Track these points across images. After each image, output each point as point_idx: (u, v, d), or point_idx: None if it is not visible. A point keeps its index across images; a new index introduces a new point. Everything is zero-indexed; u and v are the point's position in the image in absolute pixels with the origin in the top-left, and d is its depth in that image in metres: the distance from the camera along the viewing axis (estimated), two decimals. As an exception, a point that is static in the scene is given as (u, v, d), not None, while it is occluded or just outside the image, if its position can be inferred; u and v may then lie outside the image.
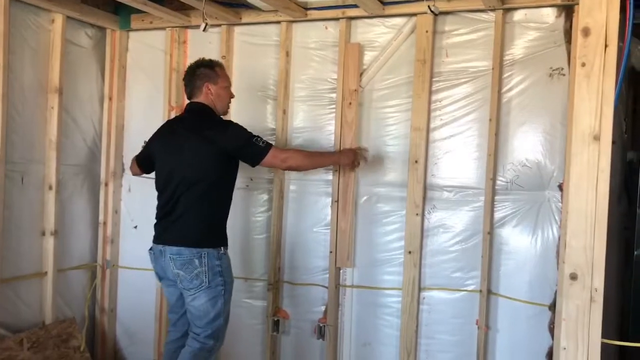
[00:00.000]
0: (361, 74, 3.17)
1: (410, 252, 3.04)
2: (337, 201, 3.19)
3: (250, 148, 2.66)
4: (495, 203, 2.93)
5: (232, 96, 2.89)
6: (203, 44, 3.43)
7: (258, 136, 2.69)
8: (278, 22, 3.27)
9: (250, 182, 3.42)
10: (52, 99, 3.24)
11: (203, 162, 2.65)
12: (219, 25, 3.36)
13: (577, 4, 2.42)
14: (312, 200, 3.31)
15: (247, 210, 3.42)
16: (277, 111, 3.32)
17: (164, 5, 3.22)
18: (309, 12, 3.18)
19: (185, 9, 3.27)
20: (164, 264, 2.70)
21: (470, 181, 3.00)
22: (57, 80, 3.23)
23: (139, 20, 3.51)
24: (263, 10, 3.22)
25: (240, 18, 3.31)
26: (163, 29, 3.49)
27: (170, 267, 2.66)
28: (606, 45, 1.76)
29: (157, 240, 2.75)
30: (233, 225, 3.40)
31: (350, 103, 3.15)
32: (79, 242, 3.56)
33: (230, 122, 2.81)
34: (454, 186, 3.03)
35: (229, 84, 2.88)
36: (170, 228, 2.70)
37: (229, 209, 2.82)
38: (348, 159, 3.00)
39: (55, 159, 3.24)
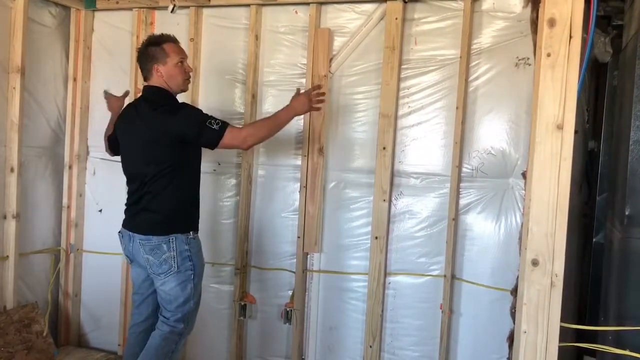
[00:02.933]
0: (331, 60, 3.17)
1: (376, 238, 3.07)
2: (306, 186, 3.20)
3: (205, 133, 2.50)
4: (460, 190, 2.98)
5: (188, 71, 2.71)
6: (171, 25, 3.38)
7: (212, 118, 2.53)
8: (248, 5, 3.24)
9: (218, 167, 3.40)
10: (13, 79, 3.15)
11: (159, 152, 2.55)
12: (188, 7, 3.31)
13: (544, -6, 2.46)
14: (281, 185, 3.32)
15: (214, 195, 3.40)
16: (246, 95, 3.30)
17: (130, -15, 3.16)
18: (279, -5, 3.16)
19: (152, -10, 3.22)
20: (133, 249, 2.67)
21: (437, 168, 3.04)
22: (18, 60, 3.14)
23: (105, 0, 3.43)
24: (232, -7, 3.18)
25: (209, 0, 3.27)
26: (130, 9, 3.42)
27: (140, 252, 2.63)
28: (571, 37, 1.80)
29: (126, 225, 2.71)
30: (201, 210, 3.39)
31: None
32: (42, 225, 3.50)
33: (181, 106, 2.62)
34: (421, 173, 3.06)
35: (183, 58, 2.67)
36: (138, 215, 2.65)
37: (196, 192, 2.75)
38: (304, 106, 2.72)
39: (17, 140, 3.16)
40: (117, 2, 3.39)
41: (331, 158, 3.20)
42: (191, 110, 2.61)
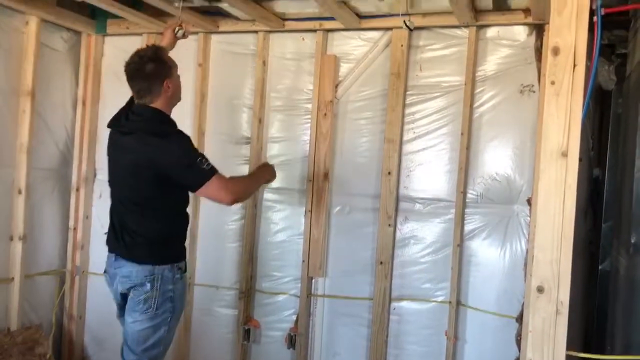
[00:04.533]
0: (337, 86, 3.20)
1: (381, 263, 3.07)
2: (311, 211, 3.20)
3: (190, 170, 2.24)
4: (465, 216, 2.98)
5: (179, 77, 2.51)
6: (179, 50, 3.40)
7: (204, 158, 2.27)
8: (256, 32, 3.29)
9: (224, 190, 3.40)
10: (24, 102, 3.19)
11: (147, 184, 2.32)
12: (197, 33, 3.36)
13: (548, 23, 2.49)
14: (286, 209, 3.32)
15: (220, 218, 3.41)
16: (253, 120, 3.33)
17: (141, 11, 3.20)
18: (286, 22, 3.21)
19: (162, 16, 3.26)
20: (115, 273, 2.45)
21: (442, 193, 3.04)
22: (29, 83, 3.18)
23: (116, 25, 3.49)
24: (241, 20, 3.23)
25: (218, 26, 3.32)
26: (140, 34, 3.47)
27: (118, 281, 2.43)
28: (575, 65, 1.82)
29: (110, 247, 2.50)
30: (205, 232, 3.42)
31: (325, 114, 3.18)
32: (48, 247, 3.51)
33: (176, 137, 2.33)
34: (426, 198, 3.07)
35: (176, 65, 2.48)
36: (122, 243, 2.42)
37: (183, 224, 2.53)
38: (271, 175, 2.73)
39: (25, 162, 3.18)
40: (128, 27, 3.44)
41: (336, 182, 3.21)
42: (185, 143, 2.33)
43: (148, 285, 2.34)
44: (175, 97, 2.46)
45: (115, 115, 2.57)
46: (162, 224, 2.41)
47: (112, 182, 2.51)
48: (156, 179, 2.28)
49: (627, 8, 2.64)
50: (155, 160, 2.26)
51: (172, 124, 2.42)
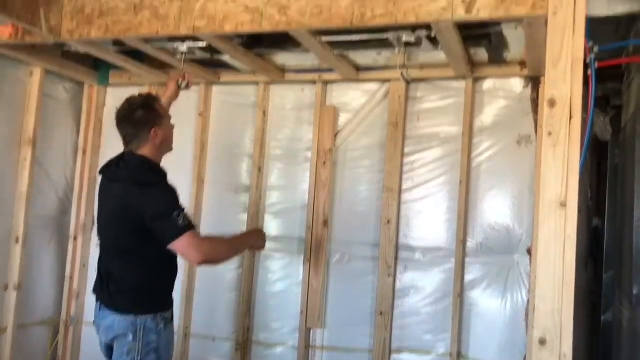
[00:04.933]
0: (336, 135, 3.23)
1: (381, 313, 3.03)
2: (310, 259, 3.18)
3: (165, 222, 2.18)
4: (465, 265, 2.96)
5: (173, 127, 2.49)
6: (181, 100, 3.44)
7: (183, 213, 2.19)
8: (256, 83, 3.34)
9: (223, 239, 3.39)
10: (25, 151, 3.21)
11: (128, 232, 2.27)
12: (198, 84, 3.41)
13: (543, 75, 2.54)
14: (285, 257, 3.30)
15: (217, 268, 3.37)
16: (253, 168, 3.34)
17: (143, 63, 3.27)
18: (286, 74, 3.27)
19: (164, 67, 3.32)
20: (99, 331, 2.39)
21: (441, 243, 3.03)
22: (31, 132, 3.21)
23: (118, 77, 3.55)
24: (242, 71, 3.29)
25: (219, 78, 3.38)
26: (141, 85, 3.52)
27: (103, 338, 2.37)
28: (571, 116, 1.85)
29: (97, 296, 2.44)
30: (202, 282, 3.38)
31: (325, 162, 3.20)
32: (43, 296, 3.46)
33: (159, 188, 2.30)
34: (425, 247, 3.06)
35: (170, 118, 2.48)
36: (107, 292, 2.36)
37: (168, 272, 2.44)
38: (257, 242, 2.68)
39: (24, 211, 3.18)
40: (130, 79, 3.50)
41: (336, 231, 3.21)
42: (168, 196, 2.27)
43: (130, 336, 2.26)
44: (165, 146, 2.42)
45: (108, 162, 2.55)
46: (146, 273, 2.33)
47: (99, 229, 2.47)
48: (136, 227, 2.23)
49: (620, 62, 2.70)
50: (134, 208, 2.23)
51: (160, 173, 2.40)
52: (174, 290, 2.48)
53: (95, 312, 2.42)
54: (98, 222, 2.50)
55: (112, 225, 2.36)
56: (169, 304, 2.43)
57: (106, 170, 2.49)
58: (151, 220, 2.19)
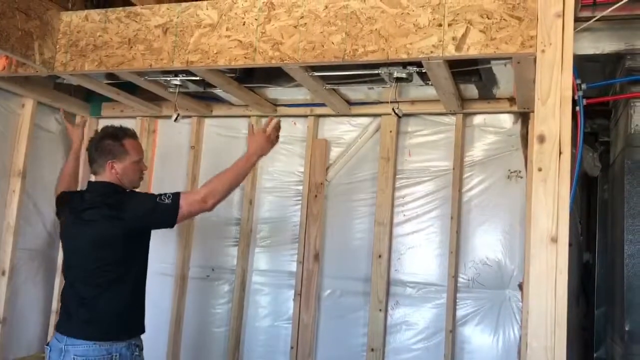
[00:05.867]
0: (327, 168, 3.24)
1: (372, 350, 2.99)
2: (300, 294, 3.15)
3: (158, 211, 2.26)
4: (457, 301, 2.94)
5: (144, 169, 2.49)
6: (173, 133, 3.48)
7: (162, 194, 2.28)
8: (248, 117, 3.36)
9: (212, 272, 3.36)
10: (14, 183, 3.19)
11: (105, 251, 2.28)
12: (190, 117, 3.42)
13: (532, 111, 2.57)
14: (275, 292, 3.27)
15: (207, 302, 3.34)
16: (244, 201, 3.33)
17: (136, 95, 3.28)
18: (278, 108, 3.29)
19: (156, 100, 3.34)
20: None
21: (433, 278, 3.01)
22: (21, 164, 3.19)
23: (110, 108, 3.56)
24: (234, 105, 3.31)
25: (212, 111, 3.39)
26: (134, 117, 3.53)
27: None
28: (560, 152, 1.87)
29: (58, 328, 2.35)
30: (190, 316, 3.34)
31: (316, 195, 3.20)
32: (28, 330, 3.39)
33: (130, 195, 2.39)
34: (417, 282, 3.04)
35: (141, 157, 2.45)
36: (75, 322, 2.30)
37: (141, 296, 2.42)
38: (264, 146, 2.49)
39: (11, 243, 3.13)
40: (122, 111, 3.51)
41: (327, 265, 3.18)
42: (140, 196, 2.38)
43: None
44: (126, 181, 2.41)
45: (66, 196, 2.58)
46: (120, 298, 2.30)
47: (69, 264, 2.42)
48: (123, 239, 2.27)
49: (607, 99, 2.75)
50: (122, 221, 2.26)
51: (123, 191, 2.40)
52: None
53: (53, 345, 2.30)
54: (68, 258, 2.44)
55: (91, 250, 2.31)
56: (141, 330, 2.40)
57: (70, 202, 2.49)
58: (147, 219, 2.28)
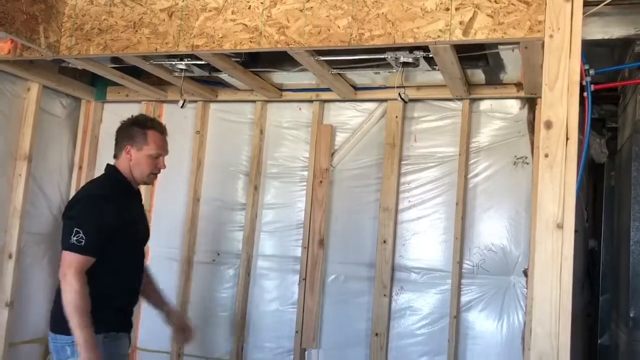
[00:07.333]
0: (333, 154, 3.23)
1: (377, 335, 3.00)
2: (305, 279, 3.16)
3: (65, 233, 2.16)
4: (461, 286, 2.95)
5: (161, 167, 2.38)
6: (178, 118, 3.47)
7: (82, 232, 2.12)
8: (253, 101, 3.35)
9: (217, 257, 3.37)
10: (20, 167, 3.20)
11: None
12: (196, 102, 3.42)
13: (540, 97, 2.55)
14: (280, 277, 3.28)
15: (211, 287, 3.36)
16: (249, 187, 3.33)
17: (141, 80, 3.27)
18: (284, 93, 3.27)
19: (162, 84, 3.33)
20: None
21: (438, 263, 3.02)
22: (27, 147, 3.20)
23: (115, 93, 3.55)
24: (240, 89, 3.30)
25: (217, 95, 3.38)
26: (139, 102, 3.52)
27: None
28: (567, 138, 1.85)
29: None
30: (196, 301, 3.35)
31: (321, 181, 3.19)
32: (35, 314, 3.41)
33: (87, 200, 2.27)
34: (422, 268, 3.04)
35: (159, 153, 2.35)
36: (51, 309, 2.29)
37: (112, 287, 2.25)
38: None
39: (18, 227, 3.15)
40: (127, 95, 3.50)
41: (331, 250, 3.19)
42: (84, 211, 2.21)
43: (68, 350, 2.14)
44: (136, 170, 2.34)
45: None
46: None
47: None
48: None
49: (615, 85, 2.72)
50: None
51: (114, 188, 2.32)
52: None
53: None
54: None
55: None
56: (114, 323, 2.28)
57: None
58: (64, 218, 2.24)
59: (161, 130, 2.39)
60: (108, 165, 2.41)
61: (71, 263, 2.11)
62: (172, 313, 2.52)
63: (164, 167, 2.41)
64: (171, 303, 2.60)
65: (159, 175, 2.42)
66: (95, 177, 3.53)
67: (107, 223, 2.19)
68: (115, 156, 2.38)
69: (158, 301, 2.52)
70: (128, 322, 2.36)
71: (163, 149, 2.38)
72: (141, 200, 2.51)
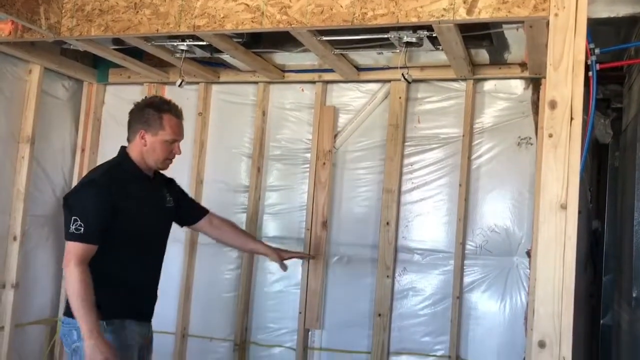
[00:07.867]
0: (335, 136, 3.22)
1: (380, 315, 3.01)
2: (308, 260, 3.17)
3: (66, 223, 2.13)
4: (464, 267, 2.95)
5: (176, 153, 2.33)
6: (180, 99, 3.41)
7: (80, 220, 2.10)
8: (256, 83, 3.33)
9: (221, 239, 3.38)
10: (23, 149, 3.20)
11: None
12: (197, 83, 3.40)
13: (544, 77, 2.53)
14: (283, 259, 3.29)
15: (216, 268, 3.37)
16: (252, 169, 3.33)
17: (142, 61, 3.25)
18: (286, 74, 3.26)
19: (163, 66, 3.31)
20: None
21: (440, 245, 3.02)
22: (29, 130, 3.20)
23: (117, 75, 3.53)
24: (242, 71, 3.28)
25: (219, 77, 3.37)
26: (141, 84, 3.51)
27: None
28: (572, 118, 1.84)
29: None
30: (200, 282, 3.37)
31: (324, 163, 3.19)
32: (40, 295, 3.44)
33: (88, 187, 2.23)
34: (425, 249, 3.05)
35: (175, 139, 2.29)
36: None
37: (120, 272, 2.23)
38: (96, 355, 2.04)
39: (22, 209, 3.16)
40: (129, 77, 3.49)
41: (334, 232, 3.19)
42: (82, 200, 2.18)
43: (75, 334, 2.14)
44: (150, 156, 2.28)
45: None
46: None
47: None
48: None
49: (621, 64, 2.70)
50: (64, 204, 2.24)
51: (107, 174, 2.25)
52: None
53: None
54: None
55: None
56: (122, 309, 2.24)
57: None
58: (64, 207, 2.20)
59: (177, 114, 2.31)
60: (121, 148, 2.35)
61: (72, 252, 2.10)
62: (270, 252, 2.77)
63: (179, 152, 2.35)
64: (260, 242, 2.91)
65: None
66: (97, 159, 3.59)
67: (103, 209, 2.15)
68: (129, 139, 2.32)
69: (245, 245, 2.84)
70: (138, 311, 2.30)
71: (179, 134, 2.31)
72: (160, 187, 2.44)
